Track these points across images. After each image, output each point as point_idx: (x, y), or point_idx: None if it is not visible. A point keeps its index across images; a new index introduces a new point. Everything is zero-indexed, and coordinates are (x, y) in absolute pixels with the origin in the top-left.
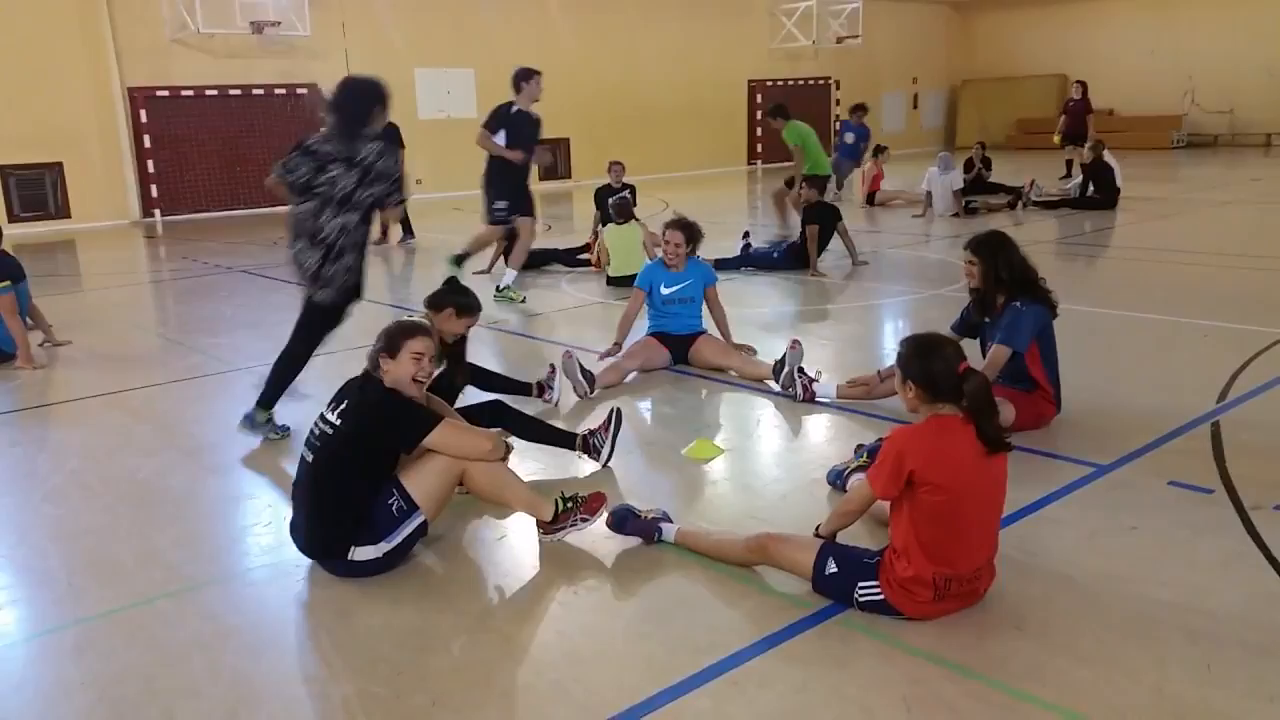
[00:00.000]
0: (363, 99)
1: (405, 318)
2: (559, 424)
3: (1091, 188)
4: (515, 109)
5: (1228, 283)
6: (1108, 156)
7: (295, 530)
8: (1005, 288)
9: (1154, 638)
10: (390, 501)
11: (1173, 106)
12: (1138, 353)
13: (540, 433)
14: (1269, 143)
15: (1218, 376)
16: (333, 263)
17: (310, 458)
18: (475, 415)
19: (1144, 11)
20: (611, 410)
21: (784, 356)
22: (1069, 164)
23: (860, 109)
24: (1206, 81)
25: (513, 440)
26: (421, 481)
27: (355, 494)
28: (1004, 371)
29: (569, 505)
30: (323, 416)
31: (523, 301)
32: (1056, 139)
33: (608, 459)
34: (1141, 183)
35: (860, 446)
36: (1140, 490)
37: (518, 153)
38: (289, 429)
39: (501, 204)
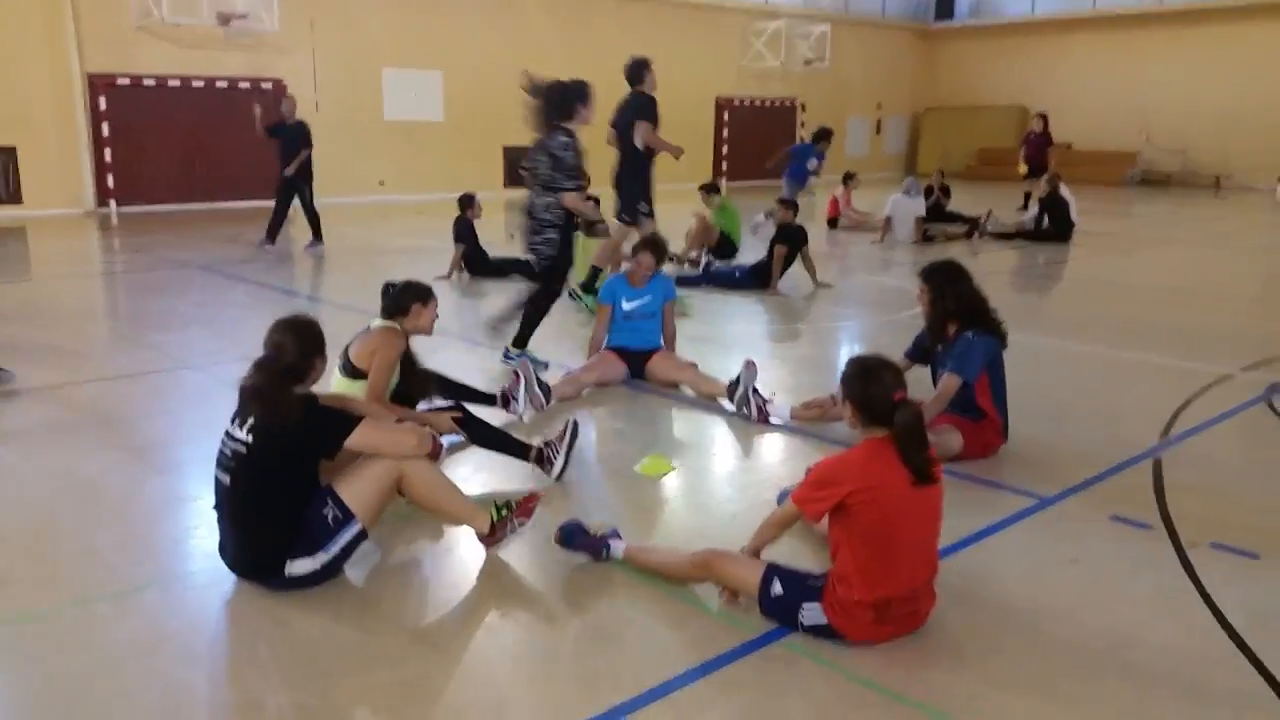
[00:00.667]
0: (564, 96)
1: (291, 316)
2: (519, 435)
3: (1046, 220)
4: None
5: (1175, 319)
6: (1064, 190)
7: (224, 551)
8: (955, 317)
9: (1090, 671)
10: (325, 511)
11: (1129, 143)
12: (1085, 386)
13: (496, 440)
14: (1218, 184)
15: (1161, 412)
16: (537, 235)
17: (227, 479)
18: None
19: (1103, 48)
20: (568, 422)
21: (739, 376)
22: (1027, 196)
23: (826, 136)
24: (1161, 121)
25: (468, 452)
26: (355, 489)
27: (282, 509)
28: (953, 400)
29: (504, 513)
30: (230, 435)
31: (590, 308)
32: (1023, 169)
33: (561, 471)
34: (1096, 217)
35: (811, 468)
36: (1082, 523)
37: (679, 146)
38: (548, 364)
39: (645, 205)
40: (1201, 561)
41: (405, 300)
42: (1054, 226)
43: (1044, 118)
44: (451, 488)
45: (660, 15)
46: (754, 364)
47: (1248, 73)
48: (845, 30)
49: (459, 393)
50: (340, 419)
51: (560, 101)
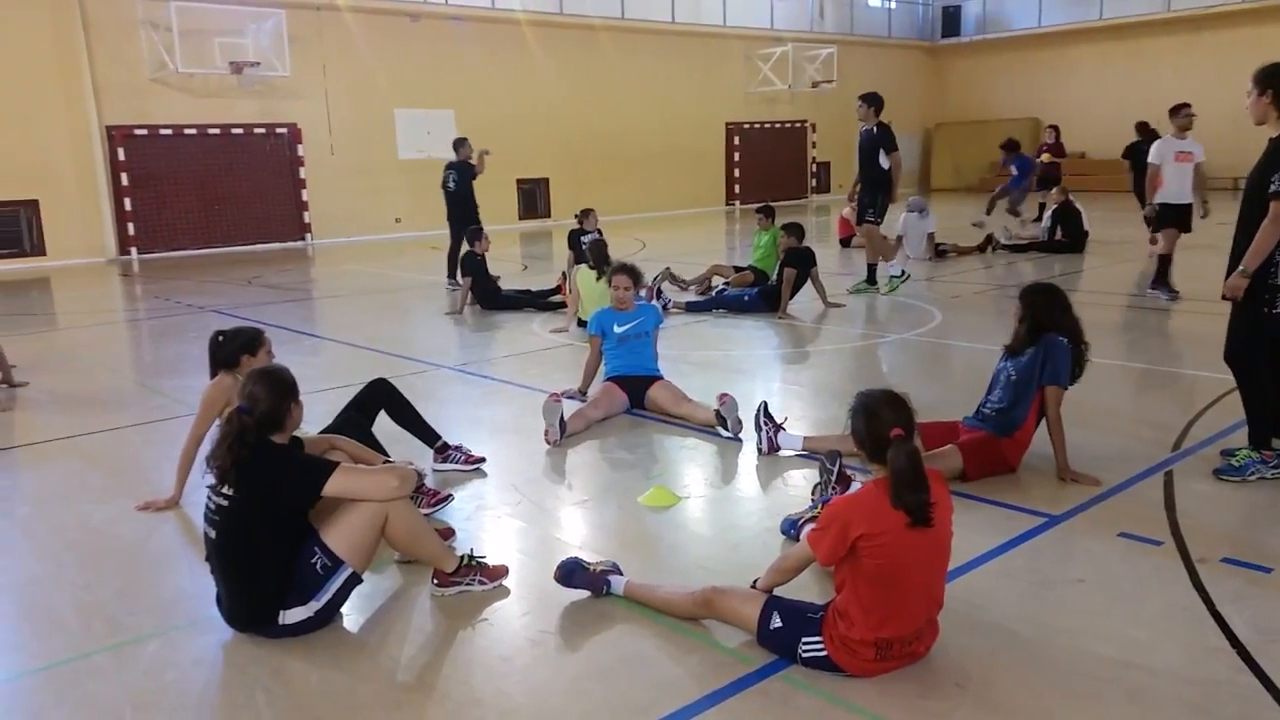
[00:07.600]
0: None
1: (260, 368)
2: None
3: (1060, 232)
4: None
5: (1188, 328)
6: (1076, 201)
7: (220, 603)
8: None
9: (1094, 695)
10: (313, 560)
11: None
12: (1097, 399)
13: (411, 422)
14: (1235, 186)
15: (1173, 424)
16: None
17: (213, 533)
18: (361, 393)
19: (1113, 57)
20: (483, 459)
21: (716, 411)
22: (1041, 207)
23: (1013, 144)
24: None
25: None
26: (342, 534)
27: (270, 560)
28: (991, 414)
29: (472, 563)
30: (213, 488)
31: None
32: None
33: (443, 469)
34: (1111, 225)
35: (818, 485)
36: (1090, 541)
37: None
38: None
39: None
40: (1212, 578)
41: (251, 340)
42: (1067, 237)
43: (1055, 129)
44: (431, 533)
45: (664, 45)
46: (728, 396)
47: None
48: (852, 51)
49: (410, 421)
50: (316, 467)
51: None
